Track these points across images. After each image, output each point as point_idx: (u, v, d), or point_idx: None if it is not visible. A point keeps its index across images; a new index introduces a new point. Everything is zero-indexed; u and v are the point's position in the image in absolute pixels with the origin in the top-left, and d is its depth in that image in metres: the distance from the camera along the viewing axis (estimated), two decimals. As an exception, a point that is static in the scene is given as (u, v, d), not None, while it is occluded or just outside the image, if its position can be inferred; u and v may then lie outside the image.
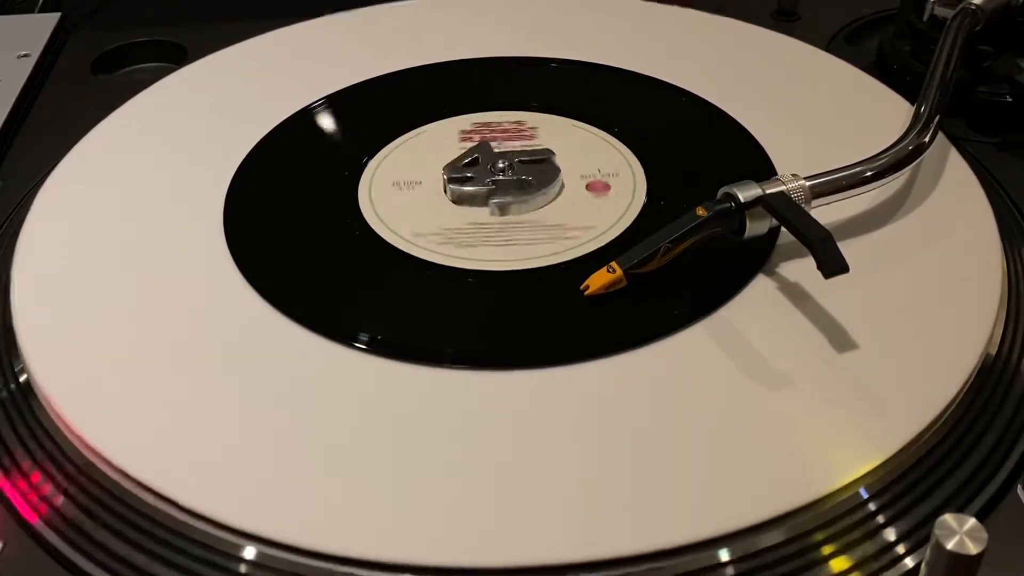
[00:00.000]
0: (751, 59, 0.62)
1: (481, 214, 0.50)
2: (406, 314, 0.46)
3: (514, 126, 0.56)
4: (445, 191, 0.52)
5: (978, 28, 0.56)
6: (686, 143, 0.56)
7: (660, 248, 0.44)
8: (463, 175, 0.52)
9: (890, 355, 0.42)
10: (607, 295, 0.45)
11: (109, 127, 0.58)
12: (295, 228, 0.51)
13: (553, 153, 0.53)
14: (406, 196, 0.52)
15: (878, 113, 0.56)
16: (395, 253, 0.48)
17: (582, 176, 0.52)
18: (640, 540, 0.36)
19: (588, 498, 0.37)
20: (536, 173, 0.52)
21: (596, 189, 0.52)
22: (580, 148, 0.54)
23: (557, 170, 0.52)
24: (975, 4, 0.56)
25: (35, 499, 0.40)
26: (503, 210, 0.50)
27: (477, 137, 0.55)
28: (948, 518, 0.32)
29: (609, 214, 0.50)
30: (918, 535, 0.37)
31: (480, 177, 0.52)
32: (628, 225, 0.49)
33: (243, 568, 0.37)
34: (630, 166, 0.53)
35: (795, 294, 0.45)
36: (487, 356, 0.43)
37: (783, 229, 0.45)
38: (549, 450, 0.39)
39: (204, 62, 0.64)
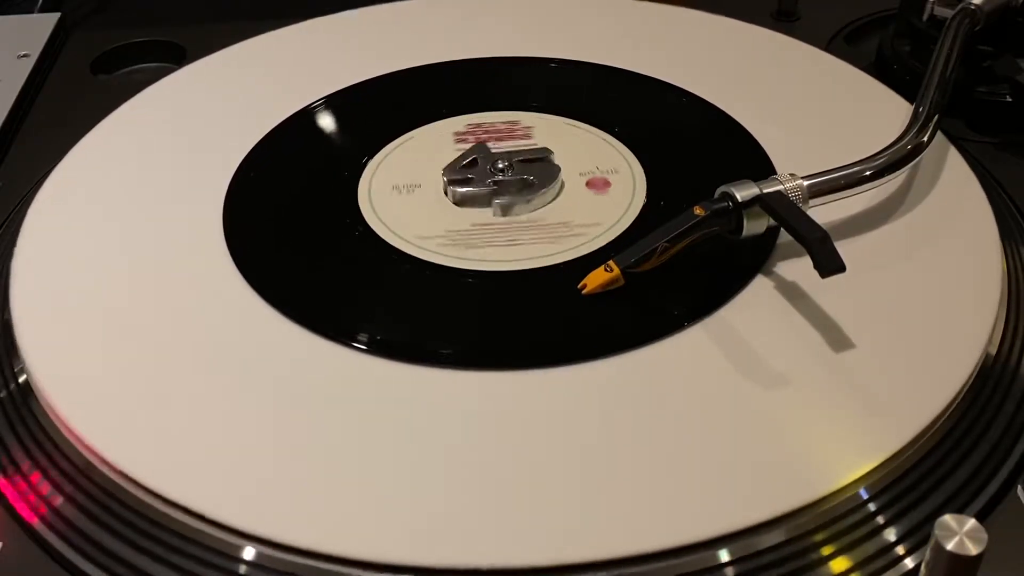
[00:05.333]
0: (751, 59, 0.62)
1: (481, 214, 0.50)
2: (406, 314, 0.46)
3: (513, 126, 0.56)
4: (445, 192, 0.52)
5: (978, 28, 0.56)
6: (686, 143, 0.55)
7: (657, 247, 0.44)
8: (463, 175, 0.52)
9: (890, 355, 0.42)
10: (605, 294, 0.44)
11: (109, 127, 0.58)
12: (295, 228, 0.51)
13: (552, 153, 0.53)
14: (405, 196, 0.52)
15: (877, 113, 0.56)
16: (394, 253, 0.48)
17: (582, 175, 0.52)
18: (640, 540, 0.36)
19: (587, 498, 0.37)
20: (536, 173, 0.52)
21: (596, 186, 0.52)
22: (580, 148, 0.54)
23: (557, 170, 0.52)
24: (975, 4, 0.56)
25: (34, 499, 0.40)
26: (504, 210, 0.50)
27: (476, 138, 0.55)
28: (948, 519, 0.32)
29: (609, 214, 0.50)
30: (918, 535, 0.37)
31: (480, 177, 0.52)
32: (628, 225, 0.49)
33: (242, 569, 0.37)
34: (630, 166, 0.53)
35: (794, 294, 0.45)
36: (485, 356, 0.43)
37: (782, 229, 0.45)
38: (548, 450, 0.39)
39: (204, 62, 0.64)
